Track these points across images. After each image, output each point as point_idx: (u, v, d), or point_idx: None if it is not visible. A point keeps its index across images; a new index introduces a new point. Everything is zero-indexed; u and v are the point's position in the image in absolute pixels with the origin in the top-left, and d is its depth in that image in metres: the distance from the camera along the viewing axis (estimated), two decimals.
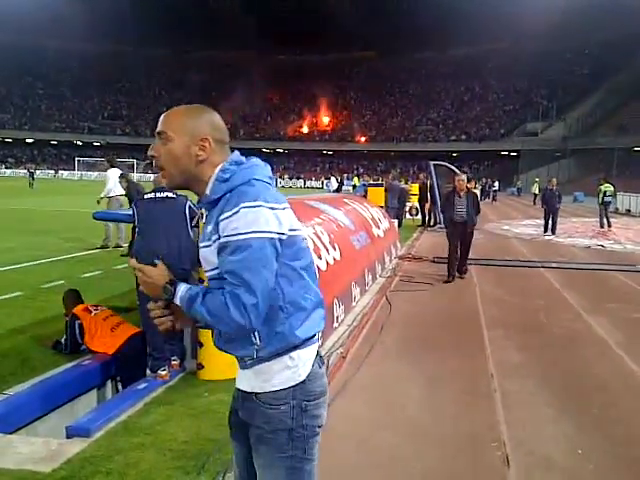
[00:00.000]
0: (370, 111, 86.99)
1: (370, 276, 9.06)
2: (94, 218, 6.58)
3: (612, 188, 21.37)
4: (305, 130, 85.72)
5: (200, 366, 5.04)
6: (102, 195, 12.72)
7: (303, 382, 1.87)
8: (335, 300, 6.64)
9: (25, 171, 57.70)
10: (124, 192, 11.33)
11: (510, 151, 69.54)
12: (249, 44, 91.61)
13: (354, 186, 33.64)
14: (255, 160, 1.96)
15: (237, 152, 1.97)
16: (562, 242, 16.30)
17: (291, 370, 1.87)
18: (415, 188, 21.61)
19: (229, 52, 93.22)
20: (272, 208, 1.78)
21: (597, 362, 5.88)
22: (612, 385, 5.20)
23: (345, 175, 57.31)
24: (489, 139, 72.29)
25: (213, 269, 1.88)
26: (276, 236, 1.78)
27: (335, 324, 6.60)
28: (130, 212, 5.07)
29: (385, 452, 3.83)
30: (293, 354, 1.87)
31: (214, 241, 1.82)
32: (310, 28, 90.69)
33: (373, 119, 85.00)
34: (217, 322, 1.79)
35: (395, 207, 17.60)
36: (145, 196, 5.07)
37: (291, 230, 1.87)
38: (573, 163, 63.18)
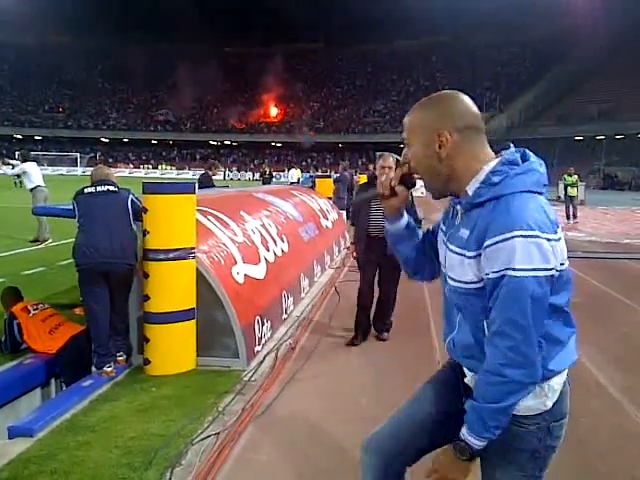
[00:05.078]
0: (317, 102, 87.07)
1: (319, 267, 9.08)
2: (33, 213, 6.40)
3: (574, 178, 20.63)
4: (253, 122, 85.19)
5: (147, 361, 4.97)
6: (29, 188, 12.83)
7: (552, 406, 1.76)
8: (284, 292, 6.63)
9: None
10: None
11: None
12: (195, 36, 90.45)
13: (298, 180, 32.79)
14: (532, 163, 1.72)
15: (512, 147, 1.77)
16: None
17: (539, 400, 1.74)
18: (363, 179, 21.72)
19: (175, 44, 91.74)
20: (549, 240, 1.58)
21: None
22: None
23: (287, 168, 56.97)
24: None
25: (460, 281, 1.74)
26: (552, 273, 1.60)
27: (284, 315, 6.60)
28: (70, 206, 4.93)
29: (334, 442, 3.85)
30: (543, 384, 1.73)
31: (470, 256, 1.66)
32: (256, 19, 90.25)
33: (321, 110, 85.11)
34: (505, 393, 1.63)
35: (344, 198, 17.66)
36: (85, 190, 4.93)
37: (562, 264, 1.67)
38: None
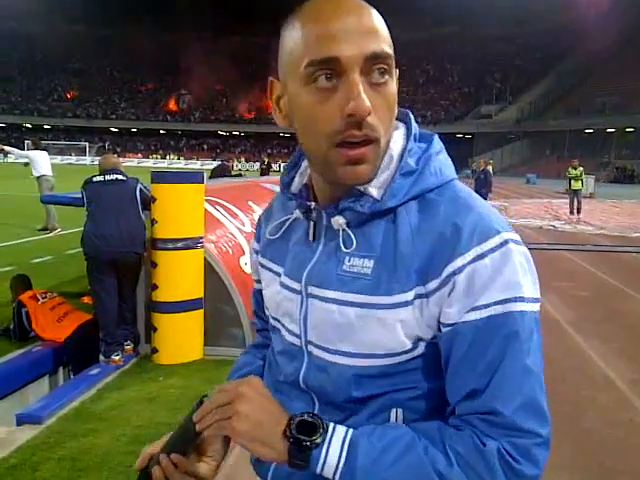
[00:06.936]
0: None
1: None
2: (42, 202, 6.41)
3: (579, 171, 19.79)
4: (261, 112, 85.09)
5: (154, 350, 4.98)
6: (35, 176, 12.77)
7: None
8: None
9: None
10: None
11: (465, 134, 70.38)
12: (204, 25, 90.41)
13: None
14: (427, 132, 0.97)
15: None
16: (515, 223, 16.57)
17: None
18: None
19: (183, 33, 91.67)
20: (521, 248, 0.94)
21: (548, 340, 5.92)
22: (561, 362, 5.32)
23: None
24: (444, 122, 72.97)
25: (363, 355, 0.90)
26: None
27: None
28: (79, 195, 4.94)
29: None
30: None
31: (402, 302, 0.86)
32: (265, 8, 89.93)
33: None
34: None
35: None
36: (94, 178, 4.94)
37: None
38: (526, 145, 64.38)
